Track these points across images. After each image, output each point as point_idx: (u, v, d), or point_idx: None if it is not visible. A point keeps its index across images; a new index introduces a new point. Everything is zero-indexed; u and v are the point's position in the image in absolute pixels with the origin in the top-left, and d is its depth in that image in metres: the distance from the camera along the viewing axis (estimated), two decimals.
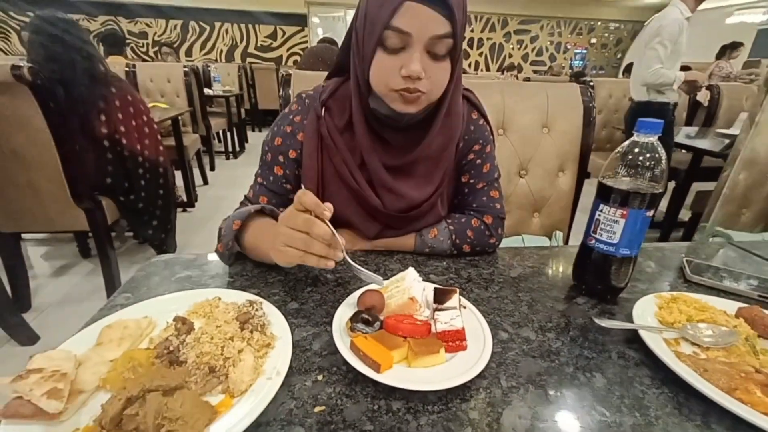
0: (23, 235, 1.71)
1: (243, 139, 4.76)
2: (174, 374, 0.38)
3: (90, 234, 1.55)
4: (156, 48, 6.65)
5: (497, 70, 7.55)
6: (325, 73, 0.75)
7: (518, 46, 7.91)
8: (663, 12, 2.10)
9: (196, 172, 3.19)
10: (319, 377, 0.42)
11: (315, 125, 0.67)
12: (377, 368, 0.40)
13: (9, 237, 1.53)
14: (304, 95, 0.71)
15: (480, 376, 0.41)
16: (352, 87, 0.63)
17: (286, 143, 0.69)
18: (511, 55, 7.94)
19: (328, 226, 0.47)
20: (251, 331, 0.44)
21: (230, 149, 4.29)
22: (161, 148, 1.69)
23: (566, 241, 1.12)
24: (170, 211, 1.82)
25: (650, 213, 0.52)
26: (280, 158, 0.70)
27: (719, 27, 6.20)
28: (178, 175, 2.54)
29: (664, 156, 0.52)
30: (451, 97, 0.64)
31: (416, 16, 0.52)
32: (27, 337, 1.45)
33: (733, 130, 2.12)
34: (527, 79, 3.34)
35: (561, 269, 0.69)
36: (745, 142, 0.74)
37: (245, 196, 0.73)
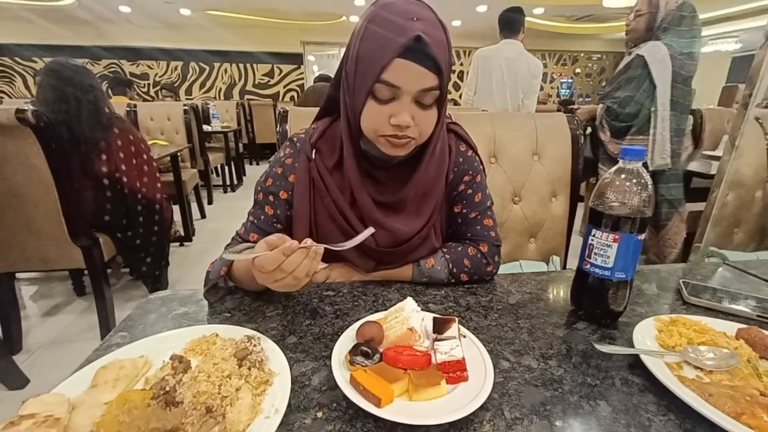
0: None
1: (241, 173, 4.82)
2: (170, 416, 0.37)
3: (85, 271, 1.54)
4: (157, 88, 6.88)
5: None
6: None
7: None
8: (525, 53, 2.56)
9: (194, 206, 3.20)
10: (319, 414, 0.41)
11: (305, 167, 0.69)
12: (378, 403, 0.39)
13: (3, 276, 1.51)
14: (295, 138, 0.73)
15: (482, 407, 0.41)
16: (342, 128, 0.65)
17: (276, 184, 0.71)
18: None
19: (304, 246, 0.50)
20: (249, 368, 0.44)
21: (228, 183, 4.34)
22: (159, 185, 1.72)
23: (564, 265, 1.12)
24: (164, 248, 1.82)
25: (641, 236, 0.53)
26: (271, 198, 0.71)
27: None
28: (176, 210, 2.55)
29: (650, 181, 0.53)
30: (438, 136, 0.67)
31: (406, 72, 0.55)
32: (16, 380, 1.40)
33: (718, 152, 2.18)
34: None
35: (560, 294, 0.69)
36: (728, 164, 0.77)
37: (237, 233, 0.73)
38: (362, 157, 0.66)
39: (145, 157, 1.64)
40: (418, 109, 0.58)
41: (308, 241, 0.51)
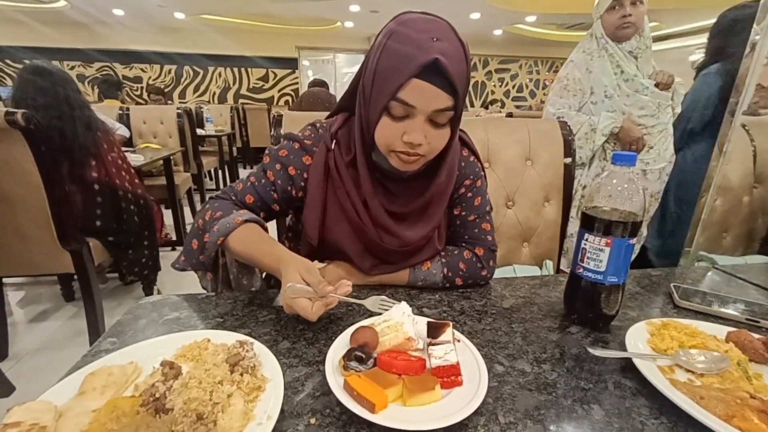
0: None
1: (234, 177, 4.80)
2: (159, 423, 0.36)
3: (75, 276, 1.51)
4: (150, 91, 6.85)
5: (481, 106, 7.90)
6: (317, 114, 0.78)
7: (500, 84, 8.33)
8: None
9: (187, 210, 3.17)
10: (312, 420, 0.41)
11: (324, 157, 0.69)
12: (372, 408, 0.39)
13: None
14: (317, 124, 0.73)
15: (477, 412, 0.41)
16: (356, 138, 0.66)
17: (289, 157, 0.70)
18: (493, 92, 8.34)
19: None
20: (241, 374, 0.43)
21: (221, 186, 4.31)
22: (137, 180, 1.73)
23: (557, 270, 1.13)
24: (156, 241, 1.82)
25: (633, 240, 0.54)
26: (278, 166, 0.70)
27: (683, 65, 6.62)
28: (168, 214, 2.52)
29: (641, 186, 0.54)
30: (451, 151, 0.68)
31: (421, 92, 0.55)
32: (2, 388, 1.36)
33: None
34: (510, 115, 3.50)
35: (553, 298, 0.70)
36: (717, 169, 0.78)
37: (231, 187, 0.72)
38: (374, 167, 0.67)
39: (122, 155, 1.67)
40: (431, 128, 0.58)
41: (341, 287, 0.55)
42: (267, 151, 0.72)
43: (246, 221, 0.63)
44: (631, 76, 1.40)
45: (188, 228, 2.98)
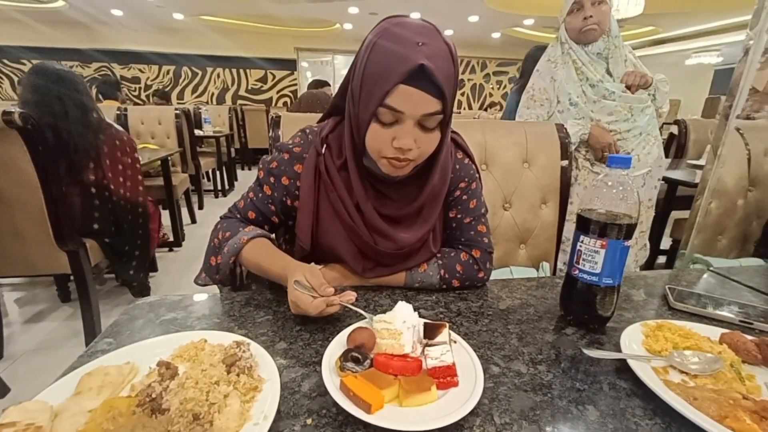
0: None
1: (232, 178, 4.79)
2: (156, 423, 0.36)
3: (71, 277, 1.51)
4: (148, 92, 6.83)
5: (479, 108, 7.93)
6: (316, 115, 0.79)
7: (498, 86, 8.36)
8: None
9: (185, 211, 3.17)
10: (308, 421, 0.41)
11: (314, 161, 0.69)
12: (368, 409, 0.39)
13: None
14: (307, 130, 0.73)
15: (472, 413, 0.41)
16: (346, 139, 0.66)
17: (281, 168, 0.71)
18: (491, 94, 8.37)
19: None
20: (238, 374, 0.43)
21: (219, 187, 4.30)
22: (140, 188, 1.70)
23: (553, 272, 1.14)
24: (149, 250, 1.81)
25: (628, 243, 0.54)
26: (271, 179, 0.71)
27: (679, 68, 6.69)
28: (166, 215, 2.51)
29: (635, 188, 0.55)
30: (442, 154, 0.68)
31: (408, 97, 0.55)
32: None
33: (702, 161, 2.23)
34: None
35: (549, 300, 0.70)
36: (711, 173, 0.79)
37: (235, 205, 0.75)
38: (366, 171, 0.67)
39: (129, 160, 1.63)
40: (420, 132, 0.59)
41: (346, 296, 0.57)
42: (260, 165, 0.74)
43: (251, 239, 0.67)
44: (596, 82, 1.35)
45: (186, 228, 2.97)
